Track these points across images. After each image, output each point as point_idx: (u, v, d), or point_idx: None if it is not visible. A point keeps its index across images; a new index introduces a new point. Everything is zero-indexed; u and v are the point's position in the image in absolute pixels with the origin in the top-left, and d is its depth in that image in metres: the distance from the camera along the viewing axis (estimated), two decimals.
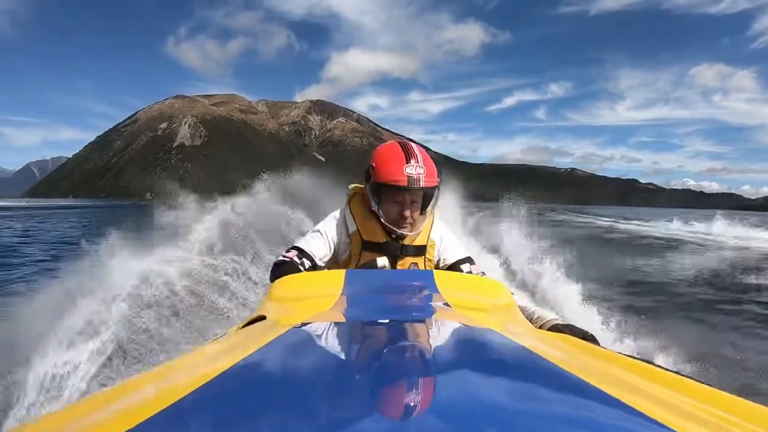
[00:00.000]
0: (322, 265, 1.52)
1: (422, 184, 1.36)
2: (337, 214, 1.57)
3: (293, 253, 1.47)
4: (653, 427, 0.38)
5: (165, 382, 0.52)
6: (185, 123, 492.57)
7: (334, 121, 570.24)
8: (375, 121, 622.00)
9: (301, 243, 1.52)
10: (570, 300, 4.40)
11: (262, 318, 0.88)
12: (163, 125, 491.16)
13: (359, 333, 0.73)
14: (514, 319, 1.01)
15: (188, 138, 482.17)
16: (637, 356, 0.70)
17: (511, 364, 0.59)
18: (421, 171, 1.36)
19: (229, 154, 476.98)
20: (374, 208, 1.45)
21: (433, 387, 0.48)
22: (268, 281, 1.34)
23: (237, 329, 0.90)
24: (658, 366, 0.61)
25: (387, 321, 0.79)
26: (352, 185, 1.61)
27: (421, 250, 1.54)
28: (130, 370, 2.34)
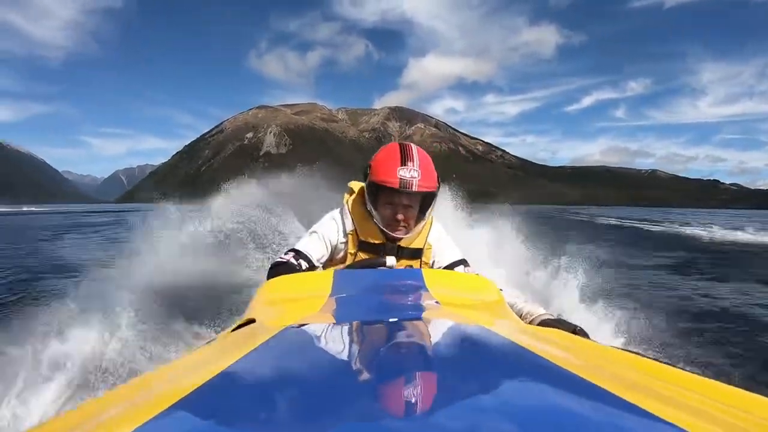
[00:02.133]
0: (319, 266, 1.50)
1: (415, 188, 1.34)
2: (335, 214, 1.55)
3: (290, 255, 1.45)
4: (649, 420, 0.38)
5: (155, 389, 0.51)
6: (270, 132, 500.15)
7: (413, 127, 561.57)
8: (453, 126, 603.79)
9: (298, 245, 1.50)
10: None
11: (251, 321, 0.88)
12: (249, 135, 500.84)
13: (349, 334, 0.72)
14: (504, 315, 1.01)
15: (274, 146, 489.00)
16: (629, 349, 0.70)
17: (503, 360, 0.58)
18: (416, 174, 1.34)
19: (313, 161, 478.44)
20: (369, 208, 1.44)
21: (425, 386, 0.48)
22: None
23: (227, 333, 0.89)
24: (652, 359, 0.61)
25: (377, 321, 0.79)
26: (351, 183, 1.59)
27: (417, 253, 1.52)
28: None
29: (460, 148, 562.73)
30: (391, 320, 0.80)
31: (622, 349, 0.68)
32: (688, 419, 0.38)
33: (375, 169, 1.39)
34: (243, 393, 0.46)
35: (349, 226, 1.50)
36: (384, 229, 1.43)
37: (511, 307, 1.18)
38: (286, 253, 1.48)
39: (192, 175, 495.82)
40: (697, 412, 0.42)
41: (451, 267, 1.52)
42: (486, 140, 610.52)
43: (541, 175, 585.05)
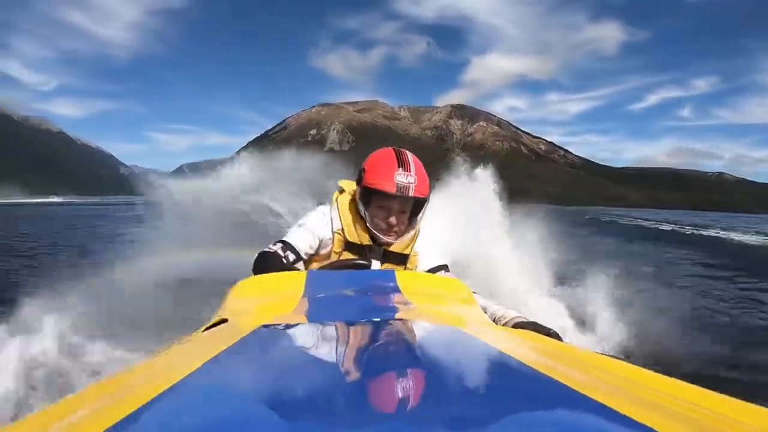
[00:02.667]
0: (306, 258, 1.50)
1: (411, 193, 1.34)
2: (324, 209, 1.54)
3: (278, 246, 1.44)
4: (622, 423, 0.37)
5: (125, 389, 0.49)
6: (333, 129, 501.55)
7: (475, 125, 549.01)
8: (515, 124, 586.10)
9: (286, 236, 1.49)
10: None
11: (223, 321, 0.87)
12: (312, 131, 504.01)
13: (322, 334, 0.72)
14: (476, 316, 1.00)
15: (337, 143, 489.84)
16: (603, 352, 0.69)
17: (476, 362, 0.58)
18: (412, 180, 1.34)
19: None
20: (361, 212, 1.43)
21: (397, 387, 0.47)
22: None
23: (198, 332, 0.88)
24: (625, 361, 0.61)
25: (349, 321, 0.78)
26: (341, 181, 1.59)
27: (403, 259, 1.52)
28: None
29: (522, 147, 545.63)
30: (363, 321, 0.79)
31: (598, 353, 0.68)
32: (658, 420, 0.38)
33: (370, 173, 1.39)
34: (214, 393, 0.46)
35: (337, 225, 1.49)
36: (376, 233, 1.43)
37: (485, 309, 1.20)
38: (274, 244, 1.46)
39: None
40: (668, 413, 0.41)
41: (432, 272, 1.52)
42: (549, 139, 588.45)
43: (604, 176, 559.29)
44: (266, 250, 1.44)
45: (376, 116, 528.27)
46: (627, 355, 3.31)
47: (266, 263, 1.34)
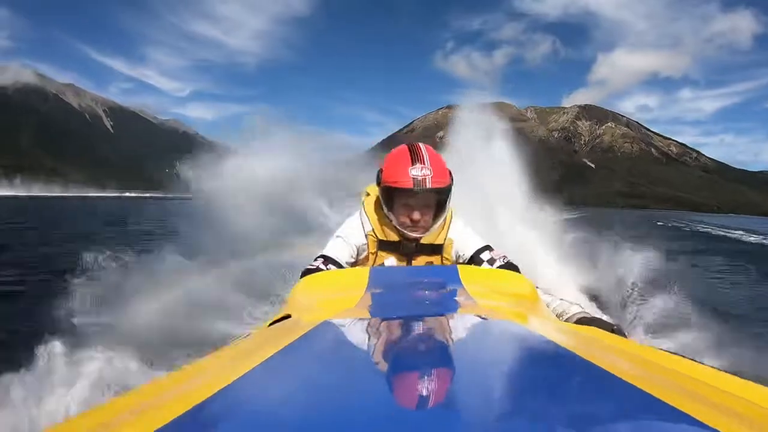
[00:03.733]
0: (347, 267, 1.52)
1: (428, 185, 1.34)
2: (354, 217, 1.59)
3: (319, 261, 1.46)
4: (688, 425, 0.36)
5: (194, 381, 0.51)
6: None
7: (603, 126, 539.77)
8: (645, 125, 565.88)
9: (325, 250, 1.52)
10: None
11: (287, 317, 0.88)
12: (440, 134, 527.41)
13: (384, 329, 0.72)
14: (539, 312, 1.00)
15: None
16: (670, 350, 0.68)
17: (537, 357, 0.58)
18: (428, 172, 1.34)
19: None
20: (385, 211, 1.46)
21: (461, 382, 0.47)
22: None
23: (263, 328, 0.89)
24: (695, 361, 0.59)
25: (412, 317, 0.78)
26: (368, 186, 1.66)
27: (437, 249, 1.53)
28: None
29: (653, 149, 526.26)
30: (425, 316, 0.80)
31: (664, 350, 0.66)
32: (729, 423, 0.37)
33: (386, 172, 1.41)
34: (277, 386, 0.47)
35: (368, 227, 1.53)
36: (402, 230, 1.45)
37: (547, 305, 1.16)
38: (315, 260, 1.49)
39: None
40: (738, 416, 0.40)
41: (476, 255, 1.51)
42: (681, 140, 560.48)
43: (739, 180, 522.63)
44: (309, 267, 1.45)
45: (502, 118, 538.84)
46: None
47: None
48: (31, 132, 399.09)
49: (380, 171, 1.44)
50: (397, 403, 0.41)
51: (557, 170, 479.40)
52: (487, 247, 1.53)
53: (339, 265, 1.46)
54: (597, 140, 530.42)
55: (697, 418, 0.36)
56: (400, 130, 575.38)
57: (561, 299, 1.29)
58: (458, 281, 1.09)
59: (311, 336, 0.64)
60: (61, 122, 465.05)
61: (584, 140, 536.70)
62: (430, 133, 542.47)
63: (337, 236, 1.55)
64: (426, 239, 1.49)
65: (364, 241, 1.53)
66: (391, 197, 1.42)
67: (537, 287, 1.15)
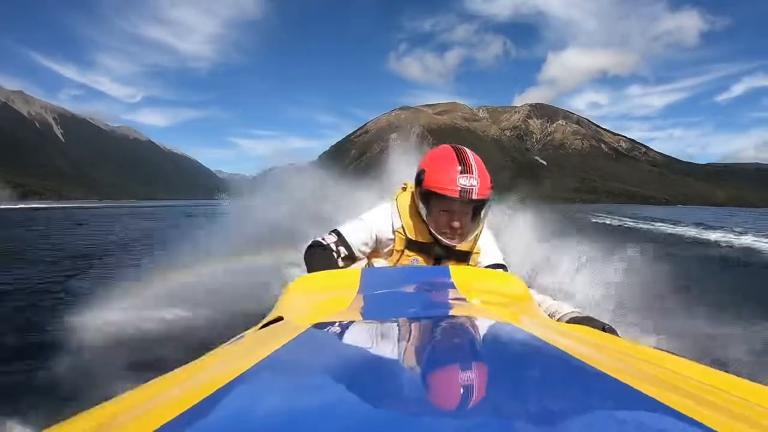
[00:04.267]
0: (360, 255, 1.48)
1: (475, 196, 1.30)
2: (387, 206, 1.53)
3: (332, 238, 1.43)
4: (681, 422, 0.36)
5: (184, 384, 0.51)
6: (413, 132, 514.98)
7: (554, 124, 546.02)
8: (595, 122, 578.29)
9: (342, 228, 1.47)
10: None
11: (279, 319, 0.87)
12: (393, 135, 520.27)
13: (377, 331, 0.72)
14: (532, 312, 1.00)
15: (418, 146, 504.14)
16: (661, 348, 0.68)
17: (531, 358, 0.58)
18: (475, 183, 1.30)
19: None
20: (423, 214, 1.40)
21: (452, 384, 0.47)
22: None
23: (254, 330, 0.88)
24: (686, 358, 0.59)
25: (404, 319, 0.78)
26: (406, 182, 1.59)
27: (465, 256, 1.49)
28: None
29: (603, 145, 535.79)
30: (418, 318, 0.80)
31: (659, 350, 0.66)
32: (724, 421, 0.37)
33: (431, 176, 1.34)
34: (268, 391, 0.47)
35: (397, 224, 1.47)
36: (438, 236, 1.40)
37: (539, 304, 1.17)
38: (330, 234, 1.46)
39: (340, 173, 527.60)
40: (732, 414, 0.40)
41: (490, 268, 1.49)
42: (630, 136, 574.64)
43: (687, 173, 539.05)
44: (320, 240, 1.43)
45: (455, 118, 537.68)
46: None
47: (317, 258, 1.33)
48: None
49: (422, 171, 1.37)
50: (389, 405, 0.41)
51: (510, 169, 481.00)
52: (501, 266, 1.51)
53: (350, 249, 1.42)
54: (548, 138, 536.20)
55: (689, 414, 0.37)
56: (354, 132, 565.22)
57: (553, 299, 1.30)
58: (450, 281, 1.10)
59: (303, 339, 0.64)
60: (11, 130, 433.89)
61: (536, 138, 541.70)
62: (384, 135, 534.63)
63: (361, 219, 1.49)
64: (459, 246, 1.45)
65: (390, 236, 1.47)
66: (429, 200, 1.37)
67: (530, 287, 1.16)
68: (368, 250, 1.51)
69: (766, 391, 0.47)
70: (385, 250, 1.50)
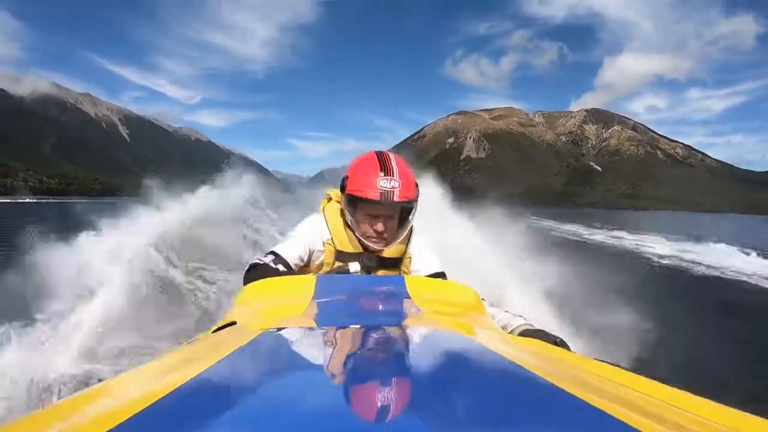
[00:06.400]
0: (297, 270, 1.47)
1: (396, 198, 1.32)
2: (314, 218, 1.52)
3: (269, 258, 1.41)
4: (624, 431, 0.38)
5: (130, 390, 0.50)
6: (470, 137, 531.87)
7: (610, 130, 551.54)
8: (652, 127, 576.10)
9: (277, 248, 1.46)
10: None
11: (232, 323, 0.87)
12: (450, 140, 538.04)
13: (330, 338, 0.72)
14: (484, 323, 1.00)
15: (474, 151, 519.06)
16: (611, 362, 0.70)
17: (482, 369, 0.58)
18: (396, 185, 1.31)
19: (511, 165, 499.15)
20: (348, 220, 1.41)
21: (400, 393, 0.47)
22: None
23: (208, 334, 0.87)
24: (633, 372, 0.61)
25: (358, 326, 0.79)
26: (329, 190, 1.57)
27: (396, 263, 1.50)
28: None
29: (658, 152, 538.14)
30: (371, 326, 0.80)
31: (606, 362, 0.68)
32: (660, 429, 0.39)
33: (353, 180, 1.36)
34: (220, 395, 0.46)
35: (326, 235, 1.47)
36: (364, 241, 1.41)
37: (492, 317, 1.19)
38: (266, 255, 1.44)
39: None
40: (675, 425, 0.42)
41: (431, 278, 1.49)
42: (687, 143, 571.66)
43: (744, 180, 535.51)
44: (257, 261, 1.41)
45: (511, 123, 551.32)
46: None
47: (257, 276, 1.29)
48: (52, 141, 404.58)
49: (345, 177, 1.39)
50: (339, 414, 0.41)
51: (564, 174, 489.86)
52: (442, 275, 1.50)
53: (288, 266, 1.41)
54: (604, 144, 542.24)
55: (638, 428, 0.38)
56: (411, 136, 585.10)
57: (506, 311, 1.32)
58: (405, 291, 1.10)
59: (255, 344, 0.64)
60: (80, 131, 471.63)
61: (591, 144, 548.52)
62: (441, 139, 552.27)
63: (293, 236, 1.50)
64: (387, 252, 1.46)
65: (320, 248, 1.48)
66: (354, 206, 1.39)
67: (483, 299, 1.18)
68: (304, 264, 1.50)
69: (704, 401, 0.50)
70: (317, 262, 1.50)
